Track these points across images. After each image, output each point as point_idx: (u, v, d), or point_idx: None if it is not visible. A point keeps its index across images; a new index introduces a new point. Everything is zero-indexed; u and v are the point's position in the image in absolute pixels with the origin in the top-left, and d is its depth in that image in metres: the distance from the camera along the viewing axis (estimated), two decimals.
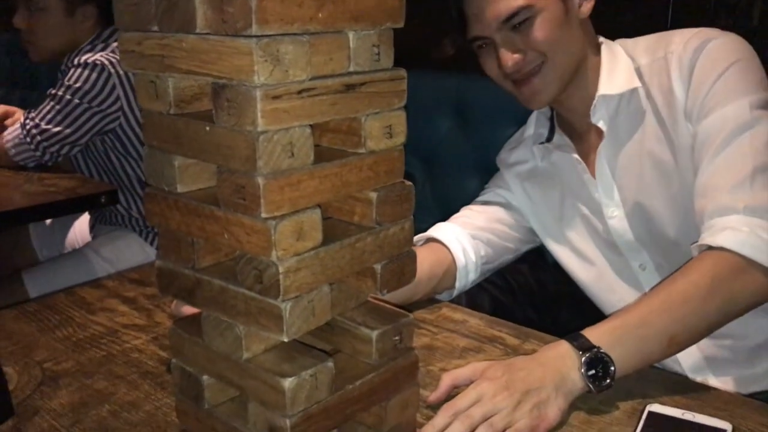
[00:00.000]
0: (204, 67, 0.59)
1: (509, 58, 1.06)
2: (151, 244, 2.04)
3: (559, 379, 0.82)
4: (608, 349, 0.84)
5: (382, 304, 0.76)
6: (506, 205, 1.24)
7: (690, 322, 0.88)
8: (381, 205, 0.69)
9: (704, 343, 1.03)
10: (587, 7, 1.09)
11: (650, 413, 0.81)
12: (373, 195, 0.68)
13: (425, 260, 1.09)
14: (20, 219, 1.86)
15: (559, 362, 0.84)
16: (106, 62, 1.88)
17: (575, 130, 1.17)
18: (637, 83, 1.08)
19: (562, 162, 1.19)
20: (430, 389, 0.88)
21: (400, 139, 0.69)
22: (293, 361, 0.66)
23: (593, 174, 1.14)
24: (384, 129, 0.67)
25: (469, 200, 1.29)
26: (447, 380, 0.86)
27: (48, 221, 2.26)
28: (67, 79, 1.89)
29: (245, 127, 0.57)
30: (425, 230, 1.20)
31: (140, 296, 1.16)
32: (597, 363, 0.83)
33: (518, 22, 1.04)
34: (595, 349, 0.84)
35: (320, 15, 0.59)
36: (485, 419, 0.77)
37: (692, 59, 1.02)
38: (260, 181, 0.58)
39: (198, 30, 0.58)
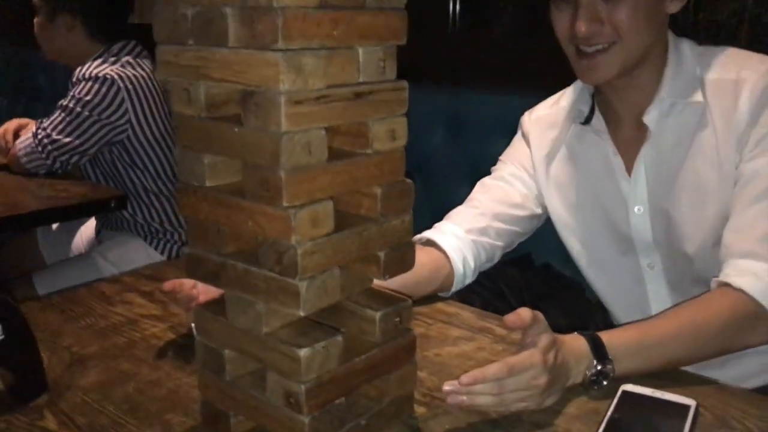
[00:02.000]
0: (235, 76, 0.68)
1: (584, 25, 1.03)
2: (156, 248, 2.12)
3: (568, 379, 0.90)
4: (617, 361, 0.90)
5: (384, 290, 0.85)
6: (522, 180, 1.25)
7: (693, 353, 0.95)
8: (385, 200, 0.78)
9: None
10: (677, 5, 1.07)
11: (624, 392, 0.89)
12: (378, 190, 0.77)
13: (425, 267, 1.13)
14: (33, 221, 1.95)
15: (574, 363, 0.90)
16: (116, 76, 1.97)
17: (616, 116, 1.15)
18: (701, 98, 1.07)
19: (594, 147, 1.18)
20: (427, 372, 0.96)
21: (402, 141, 0.79)
22: (307, 335, 0.75)
23: (626, 167, 1.14)
24: (388, 132, 0.77)
25: None
26: (528, 315, 0.86)
27: (54, 227, 2.34)
28: (77, 91, 1.97)
29: (270, 127, 0.67)
30: None
31: (156, 290, 1.24)
32: (602, 375, 0.91)
33: None
34: (608, 366, 0.90)
35: (335, 33, 0.69)
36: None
37: (766, 91, 1.03)
38: (282, 174, 0.67)
39: (230, 44, 0.68)
